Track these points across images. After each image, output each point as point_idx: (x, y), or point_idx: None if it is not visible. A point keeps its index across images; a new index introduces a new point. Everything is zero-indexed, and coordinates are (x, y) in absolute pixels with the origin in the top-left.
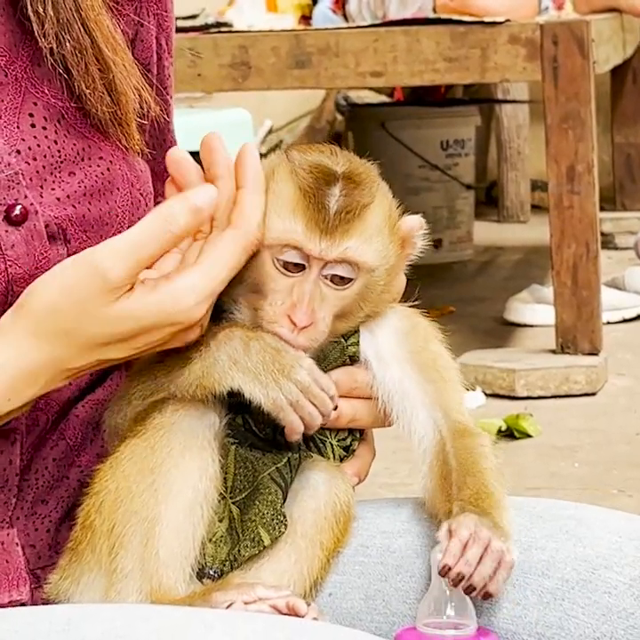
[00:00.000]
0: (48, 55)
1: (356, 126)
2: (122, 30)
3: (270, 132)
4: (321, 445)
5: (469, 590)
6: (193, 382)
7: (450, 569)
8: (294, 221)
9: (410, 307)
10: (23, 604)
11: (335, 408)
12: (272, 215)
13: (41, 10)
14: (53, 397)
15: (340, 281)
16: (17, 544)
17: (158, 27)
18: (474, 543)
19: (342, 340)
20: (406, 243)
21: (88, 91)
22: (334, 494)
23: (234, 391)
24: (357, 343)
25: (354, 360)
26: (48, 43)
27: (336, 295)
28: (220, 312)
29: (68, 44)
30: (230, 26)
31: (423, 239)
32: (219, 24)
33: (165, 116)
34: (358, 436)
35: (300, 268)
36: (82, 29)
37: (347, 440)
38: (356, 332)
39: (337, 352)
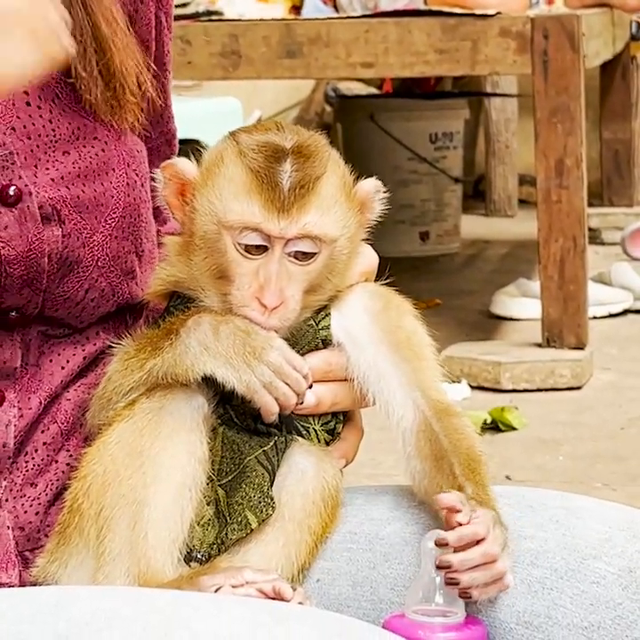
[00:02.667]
0: None
1: (344, 118)
2: (121, 6)
3: (259, 122)
4: (305, 432)
5: (452, 582)
6: (166, 371)
7: (446, 544)
8: (250, 203)
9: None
10: (11, 587)
11: (310, 387)
12: (227, 199)
13: None
14: (46, 381)
15: (304, 256)
16: (8, 527)
17: (157, 3)
18: (478, 550)
19: (314, 323)
20: (364, 208)
21: (84, 74)
22: (322, 479)
23: (207, 376)
24: (329, 326)
25: (326, 343)
26: None
27: (302, 271)
28: (189, 302)
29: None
30: (221, 14)
31: (381, 202)
32: (209, 12)
33: (163, 94)
34: (342, 418)
35: (262, 249)
36: (83, 11)
37: (330, 423)
38: (328, 315)
39: (309, 336)
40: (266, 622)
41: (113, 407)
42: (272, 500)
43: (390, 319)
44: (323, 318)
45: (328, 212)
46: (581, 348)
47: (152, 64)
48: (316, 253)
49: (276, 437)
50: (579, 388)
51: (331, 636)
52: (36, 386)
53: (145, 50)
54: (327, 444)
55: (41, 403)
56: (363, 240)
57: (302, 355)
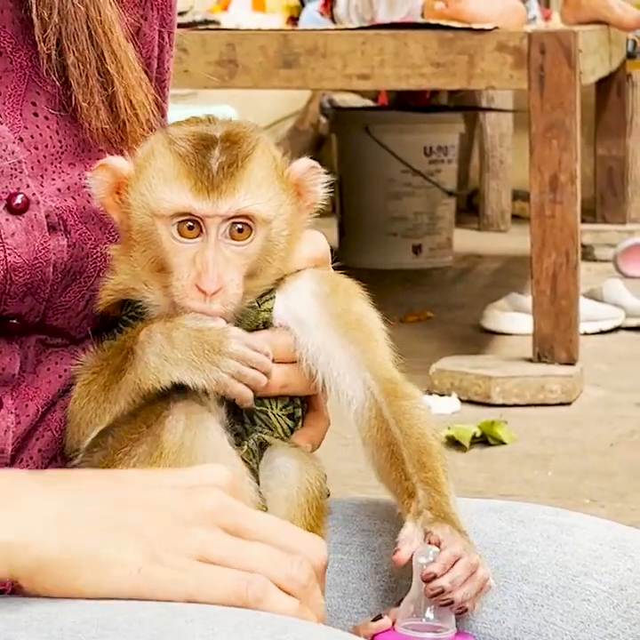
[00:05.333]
0: (44, 60)
1: (339, 129)
2: (125, 23)
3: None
4: (265, 417)
5: (446, 603)
6: (131, 391)
7: (435, 577)
8: (179, 186)
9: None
10: (2, 593)
11: (273, 361)
12: (157, 187)
13: (46, 15)
14: (43, 389)
15: (239, 235)
16: None
17: (161, 21)
18: (462, 565)
19: (256, 305)
20: (302, 189)
21: (84, 103)
22: (306, 480)
23: (176, 385)
24: (271, 309)
25: (267, 326)
26: (47, 48)
27: (240, 254)
28: (134, 304)
29: (71, 54)
30: (218, 23)
31: (322, 183)
32: (207, 21)
33: (160, 112)
34: (299, 402)
35: (196, 233)
36: (88, 42)
37: (289, 408)
38: (272, 298)
39: (250, 317)
40: (260, 635)
41: (84, 439)
42: (264, 501)
43: (338, 302)
44: (266, 301)
45: (259, 189)
46: (572, 364)
47: (152, 82)
48: (251, 231)
49: (246, 441)
50: (569, 403)
51: None
52: (33, 393)
53: (146, 67)
54: (291, 431)
55: (38, 410)
56: (308, 226)
57: None
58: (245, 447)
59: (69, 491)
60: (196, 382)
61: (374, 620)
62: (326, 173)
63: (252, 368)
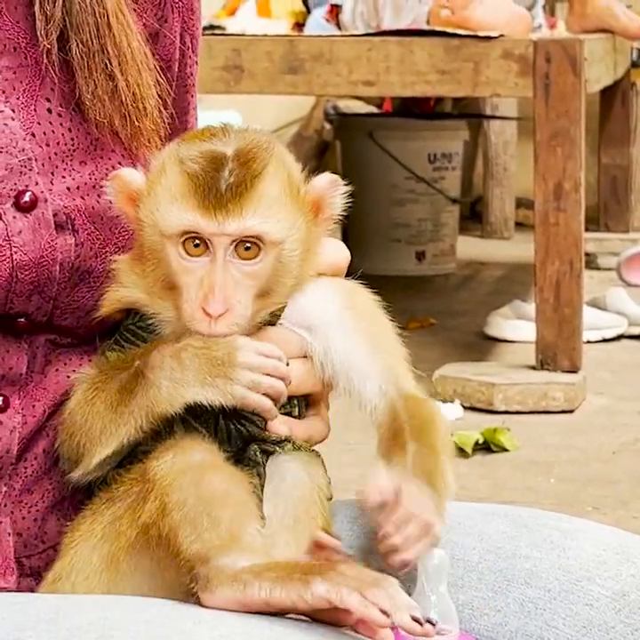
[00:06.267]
0: (44, 54)
1: (344, 136)
2: (143, 25)
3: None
4: (260, 420)
5: (391, 552)
6: (144, 415)
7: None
8: (186, 205)
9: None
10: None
11: (287, 364)
12: (165, 206)
13: (49, 9)
14: (51, 390)
15: (247, 253)
16: (9, 534)
17: (183, 24)
18: (413, 519)
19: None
20: (321, 206)
21: (88, 95)
22: (315, 481)
23: (191, 406)
24: (279, 316)
25: (269, 325)
26: (49, 42)
27: (249, 274)
28: (142, 314)
29: (75, 46)
30: (223, 29)
31: (341, 196)
32: (212, 27)
33: (184, 115)
34: (295, 402)
35: (202, 251)
36: (93, 33)
37: (286, 407)
38: (283, 305)
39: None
40: (268, 636)
41: (86, 461)
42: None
43: (361, 312)
44: (277, 308)
45: (268, 210)
46: (575, 372)
47: (172, 86)
48: (259, 252)
49: (247, 453)
50: (571, 411)
51: None
52: (40, 394)
53: (166, 70)
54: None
55: (45, 411)
56: (327, 236)
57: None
58: (246, 458)
59: None
60: (211, 400)
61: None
62: (345, 184)
63: (267, 375)
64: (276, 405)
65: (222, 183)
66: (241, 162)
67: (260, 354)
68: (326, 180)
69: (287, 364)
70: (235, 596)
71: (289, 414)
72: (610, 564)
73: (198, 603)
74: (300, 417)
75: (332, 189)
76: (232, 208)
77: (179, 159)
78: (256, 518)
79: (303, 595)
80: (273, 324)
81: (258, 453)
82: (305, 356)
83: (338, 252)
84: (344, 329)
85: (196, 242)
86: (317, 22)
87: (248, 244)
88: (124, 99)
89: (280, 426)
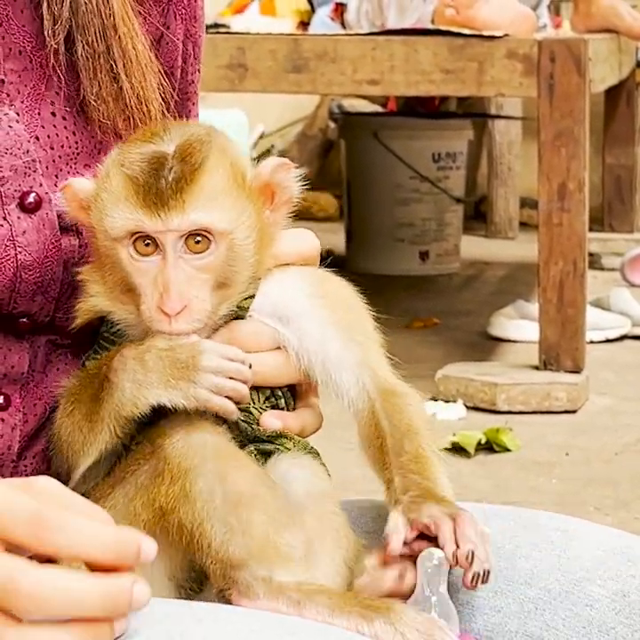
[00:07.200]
0: (51, 54)
1: (348, 135)
2: (147, 30)
3: (262, 137)
4: (246, 414)
5: (476, 576)
6: (112, 420)
7: (458, 548)
8: (129, 206)
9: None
10: None
11: (250, 366)
12: (111, 210)
13: (56, 10)
14: (52, 389)
15: (197, 246)
16: None
17: (186, 31)
18: (467, 529)
19: (235, 306)
20: (274, 188)
21: (92, 96)
22: (321, 478)
23: (155, 408)
24: (247, 308)
25: (239, 318)
26: (56, 42)
27: (202, 268)
28: (114, 322)
29: (80, 47)
30: (228, 27)
31: (294, 178)
32: (216, 25)
33: (185, 118)
34: (280, 393)
35: (152, 249)
36: (98, 34)
37: (271, 399)
38: (251, 297)
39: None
40: (273, 636)
41: (74, 470)
42: None
43: (333, 300)
44: (244, 299)
45: (211, 202)
46: (578, 372)
47: (175, 92)
48: (209, 244)
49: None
50: (574, 411)
51: None
52: (41, 392)
53: (169, 76)
54: None
55: (46, 410)
56: (286, 223)
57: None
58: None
59: None
60: (174, 402)
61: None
62: (297, 167)
63: (231, 378)
64: (237, 405)
65: (163, 181)
66: (181, 158)
67: (223, 357)
68: (274, 163)
69: (250, 366)
70: (282, 611)
71: (276, 407)
72: (610, 564)
73: (221, 600)
74: (288, 409)
75: (281, 173)
76: (174, 204)
77: (120, 163)
78: (287, 526)
79: (363, 629)
80: (242, 317)
81: (254, 455)
82: (279, 348)
83: (305, 241)
84: (316, 318)
85: (146, 241)
86: (322, 21)
87: (197, 238)
88: (128, 101)
89: (271, 420)
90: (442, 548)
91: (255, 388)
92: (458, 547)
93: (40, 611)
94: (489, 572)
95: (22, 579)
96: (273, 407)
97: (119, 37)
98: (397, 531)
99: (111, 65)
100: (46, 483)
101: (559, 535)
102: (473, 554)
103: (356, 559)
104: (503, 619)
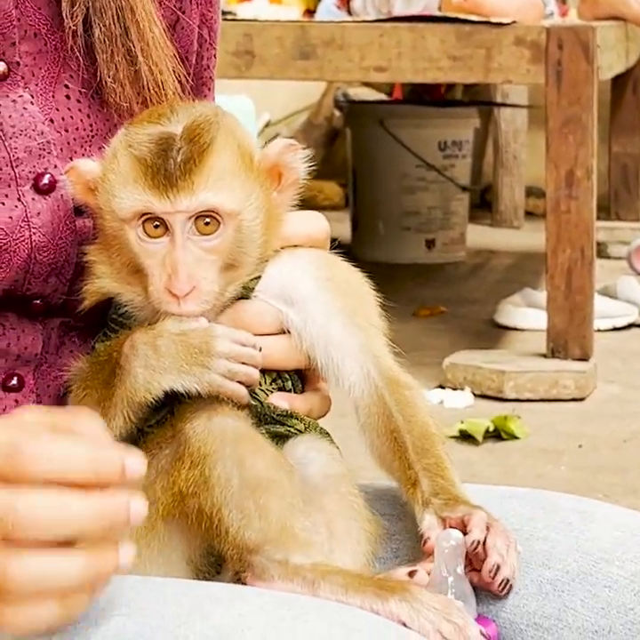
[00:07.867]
0: (70, 36)
1: (354, 123)
2: (162, 14)
3: (267, 125)
4: (253, 395)
5: (503, 585)
6: (125, 406)
7: (479, 544)
8: (138, 187)
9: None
10: None
11: (259, 350)
12: (119, 191)
13: None
14: (65, 370)
15: (206, 228)
16: None
17: (201, 17)
18: (497, 529)
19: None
20: (282, 169)
21: (108, 79)
22: (333, 458)
23: (169, 393)
24: (253, 289)
25: (244, 299)
26: (74, 24)
27: (210, 249)
28: (125, 308)
29: (98, 29)
30: (234, 15)
31: (301, 160)
32: (223, 12)
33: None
34: (287, 376)
35: (162, 231)
36: (114, 17)
37: (278, 381)
38: (257, 278)
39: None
40: (285, 616)
41: None
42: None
43: (340, 285)
44: (250, 280)
45: (220, 182)
46: (586, 360)
47: (190, 77)
48: (218, 226)
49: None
50: (582, 399)
51: (350, 630)
52: (54, 374)
53: (184, 61)
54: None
55: (59, 393)
56: (294, 204)
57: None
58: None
59: None
60: (187, 387)
61: (410, 574)
62: (304, 148)
63: (243, 363)
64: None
65: (171, 162)
66: (188, 139)
67: (236, 342)
68: (281, 144)
69: (260, 350)
70: (297, 591)
71: (282, 389)
72: (629, 545)
73: (235, 580)
74: (295, 392)
75: (288, 154)
76: (182, 185)
77: (128, 144)
78: (303, 510)
79: (377, 608)
80: (247, 298)
81: (270, 438)
82: (283, 331)
83: (314, 223)
84: (322, 301)
85: (155, 223)
86: (328, 9)
87: (206, 219)
88: (145, 83)
89: (278, 402)
90: (469, 533)
91: (262, 371)
92: (486, 555)
93: (37, 530)
94: (511, 586)
95: (19, 505)
96: (279, 389)
97: (136, 20)
98: (434, 528)
99: (128, 48)
100: (29, 414)
101: (577, 516)
102: (498, 567)
103: (376, 540)
104: (521, 600)
